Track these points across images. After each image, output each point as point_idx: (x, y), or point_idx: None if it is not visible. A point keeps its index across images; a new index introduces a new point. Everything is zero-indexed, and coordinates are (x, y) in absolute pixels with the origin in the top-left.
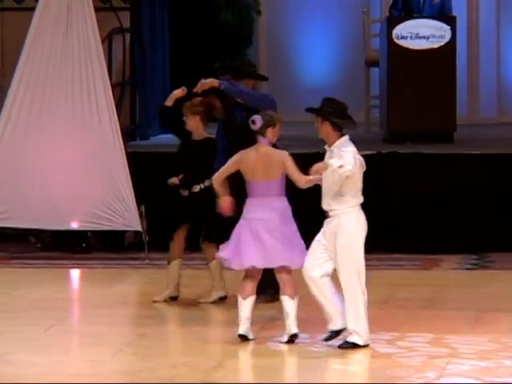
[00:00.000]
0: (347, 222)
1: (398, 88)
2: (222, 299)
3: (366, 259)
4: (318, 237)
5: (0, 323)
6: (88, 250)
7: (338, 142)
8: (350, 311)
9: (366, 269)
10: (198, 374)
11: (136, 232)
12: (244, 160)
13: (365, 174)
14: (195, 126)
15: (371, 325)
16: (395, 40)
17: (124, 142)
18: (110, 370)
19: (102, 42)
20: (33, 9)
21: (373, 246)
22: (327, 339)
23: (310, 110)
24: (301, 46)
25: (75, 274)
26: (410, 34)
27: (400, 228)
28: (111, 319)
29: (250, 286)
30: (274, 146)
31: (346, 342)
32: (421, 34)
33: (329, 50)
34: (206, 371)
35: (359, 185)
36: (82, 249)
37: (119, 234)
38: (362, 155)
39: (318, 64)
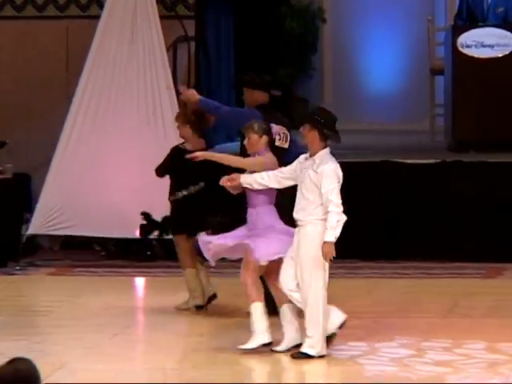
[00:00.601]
0: (313, 232)
1: (463, 96)
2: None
3: (430, 268)
4: (289, 251)
5: (64, 331)
6: (152, 258)
7: (320, 153)
8: (309, 320)
9: (431, 277)
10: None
11: None
12: None
13: (429, 182)
14: (187, 135)
15: (435, 333)
16: (460, 49)
17: None
18: (174, 380)
19: (167, 49)
20: (98, 17)
21: (437, 254)
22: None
23: (301, 116)
24: (365, 54)
25: (140, 282)
26: (474, 43)
27: (463, 236)
28: (176, 327)
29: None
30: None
31: (300, 352)
32: (486, 42)
33: (393, 58)
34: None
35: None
36: (146, 257)
37: None
38: (427, 164)
39: (383, 72)
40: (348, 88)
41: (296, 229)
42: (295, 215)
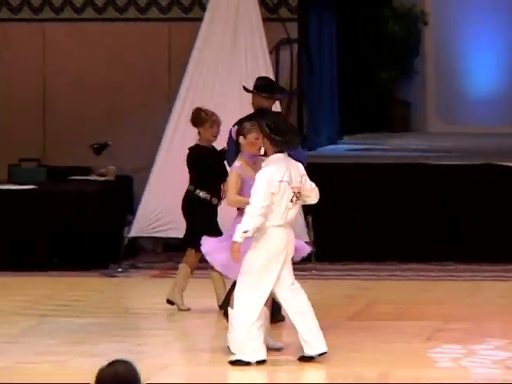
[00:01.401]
0: (255, 240)
1: None
2: None
3: None
4: None
5: (166, 333)
6: None
7: (269, 158)
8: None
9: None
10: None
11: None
12: None
13: None
14: None
15: None
16: None
17: None
18: (275, 381)
19: (270, 52)
20: (200, 19)
21: None
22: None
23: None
24: (467, 57)
25: None
26: None
27: None
28: (278, 330)
29: None
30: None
31: (238, 360)
32: None
33: (496, 62)
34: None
35: (277, 208)
36: None
37: None
38: None
39: (485, 74)
40: (450, 91)
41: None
42: None
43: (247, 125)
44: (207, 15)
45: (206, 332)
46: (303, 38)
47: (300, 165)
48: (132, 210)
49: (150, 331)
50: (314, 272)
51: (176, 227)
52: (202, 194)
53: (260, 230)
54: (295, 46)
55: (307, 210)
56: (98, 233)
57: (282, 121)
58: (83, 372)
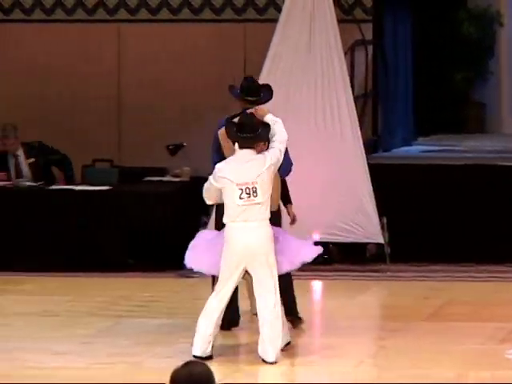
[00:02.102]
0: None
1: None
2: None
3: None
4: None
5: (242, 334)
6: (330, 262)
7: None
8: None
9: None
10: None
11: (378, 244)
12: None
13: None
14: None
15: None
16: None
17: (365, 153)
18: (351, 382)
19: (345, 53)
20: (275, 20)
21: None
22: None
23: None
24: None
25: (317, 285)
26: None
27: None
28: (353, 331)
29: None
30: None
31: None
32: None
33: None
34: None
35: (229, 204)
36: (323, 260)
37: (361, 246)
38: None
39: None
40: None
41: None
42: None
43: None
44: (282, 16)
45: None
46: (378, 39)
47: (265, 160)
48: (207, 211)
49: (224, 332)
50: (388, 273)
51: None
52: None
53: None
54: (370, 48)
55: (382, 210)
56: (173, 234)
57: (250, 118)
58: (158, 373)
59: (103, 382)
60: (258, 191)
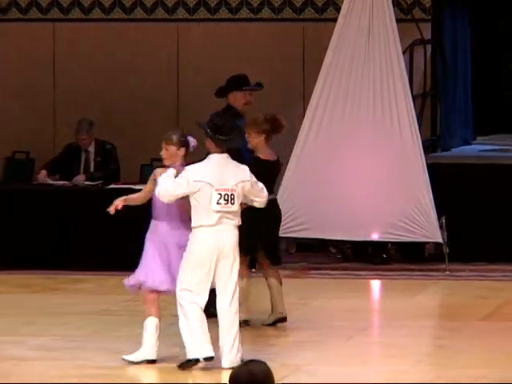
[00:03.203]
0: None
1: None
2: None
3: None
4: None
5: (300, 333)
6: (388, 261)
7: (208, 157)
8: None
9: None
10: None
11: (436, 243)
12: None
13: None
14: (260, 144)
15: None
16: None
17: (424, 153)
18: (409, 381)
19: (403, 53)
20: (334, 19)
21: None
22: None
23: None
24: None
25: (375, 284)
26: None
27: None
28: (411, 330)
29: None
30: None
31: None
32: None
33: None
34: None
35: (201, 208)
36: (382, 260)
37: (419, 246)
38: None
39: None
40: None
41: None
42: None
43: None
44: (341, 16)
45: (341, 332)
46: (437, 38)
47: (244, 167)
48: None
49: (283, 331)
50: (447, 273)
51: (310, 228)
52: None
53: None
54: (429, 47)
55: (441, 210)
56: None
57: (225, 120)
58: (211, 372)
59: (27, 382)
60: (235, 199)
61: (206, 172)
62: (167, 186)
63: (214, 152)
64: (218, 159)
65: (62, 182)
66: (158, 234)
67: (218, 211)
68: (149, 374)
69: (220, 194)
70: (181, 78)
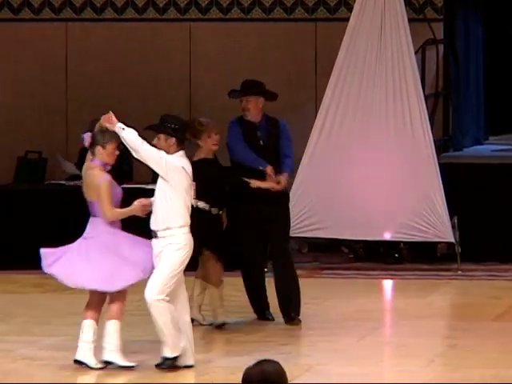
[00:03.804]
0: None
1: None
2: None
3: None
4: None
5: (312, 333)
6: (400, 261)
7: (175, 155)
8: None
9: None
10: None
11: (449, 243)
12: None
13: None
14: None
15: None
16: None
17: (436, 152)
18: (421, 381)
19: (415, 52)
20: (346, 19)
21: None
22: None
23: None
24: None
25: (387, 284)
26: None
27: None
28: (423, 330)
29: None
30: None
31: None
32: None
33: None
34: None
35: (181, 207)
36: (394, 259)
37: (432, 245)
38: None
39: None
40: None
41: None
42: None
43: (106, 135)
44: (353, 15)
45: (354, 332)
46: (449, 38)
47: None
48: None
49: (295, 331)
50: (459, 272)
51: (322, 227)
52: (200, 204)
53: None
54: (441, 47)
55: (453, 210)
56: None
57: (180, 119)
58: (229, 372)
59: (25, 382)
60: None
61: (185, 164)
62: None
63: (178, 150)
64: (183, 155)
65: (73, 182)
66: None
67: (189, 207)
68: (166, 375)
69: (194, 189)
70: (193, 78)
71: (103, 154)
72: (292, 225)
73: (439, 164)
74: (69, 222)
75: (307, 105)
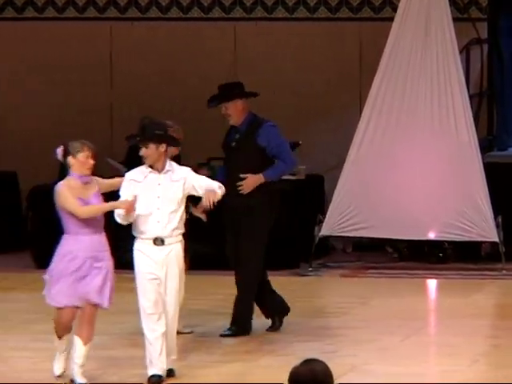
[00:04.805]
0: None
1: None
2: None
3: None
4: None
5: (357, 332)
6: (444, 261)
7: (170, 163)
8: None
9: None
10: None
11: (493, 243)
12: None
13: None
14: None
15: None
16: None
17: (481, 152)
18: (465, 381)
19: (460, 52)
20: (391, 19)
21: None
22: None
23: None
24: None
25: (432, 284)
26: None
27: None
28: (467, 329)
29: None
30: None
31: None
32: None
33: None
34: None
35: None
36: (438, 259)
37: (476, 245)
38: None
39: None
40: None
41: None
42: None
43: (76, 144)
44: (398, 15)
45: (398, 331)
46: (493, 37)
47: None
48: (323, 209)
49: (340, 330)
50: (503, 272)
51: (366, 227)
52: None
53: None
54: (485, 47)
55: (497, 209)
56: (288, 232)
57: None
58: (274, 371)
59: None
60: None
61: None
62: None
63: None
64: None
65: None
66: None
67: None
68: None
69: None
70: (239, 77)
71: (75, 165)
72: (337, 224)
73: (483, 163)
74: (111, 220)
75: (351, 105)
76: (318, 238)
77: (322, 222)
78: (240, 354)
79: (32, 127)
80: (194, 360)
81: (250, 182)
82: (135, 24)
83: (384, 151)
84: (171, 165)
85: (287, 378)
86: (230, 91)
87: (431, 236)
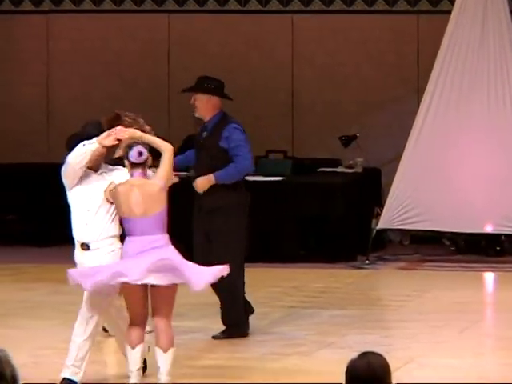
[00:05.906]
0: None
1: None
2: None
3: None
4: None
5: (413, 325)
6: (502, 254)
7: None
8: None
9: None
10: None
11: None
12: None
13: None
14: None
15: None
16: None
17: None
18: None
19: None
20: (448, 12)
21: None
22: None
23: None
24: None
25: (489, 277)
26: None
27: None
28: None
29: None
30: None
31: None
32: None
33: None
34: None
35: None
36: (495, 252)
37: None
38: None
39: None
40: None
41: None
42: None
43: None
44: (456, 8)
45: (455, 324)
46: None
47: None
48: (380, 202)
49: (396, 323)
50: None
51: (424, 220)
52: None
53: None
54: None
55: None
56: (345, 225)
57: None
58: (330, 364)
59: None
60: None
61: None
62: None
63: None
64: None
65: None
66: None
67: None
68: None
69: None
70: (295, 70)
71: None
72: (394, 217)
73: None
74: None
75: (409, 97)
76: (375, 231)
77: (379, 214)
78: (297, 346)
79: (90, 118)
80: (251, 352)
81: (200, 183)
82: (193, 16)
83: (441, 145)
84: None
85: (344, 371)
86: (206, 85)
87: (488, 229)
